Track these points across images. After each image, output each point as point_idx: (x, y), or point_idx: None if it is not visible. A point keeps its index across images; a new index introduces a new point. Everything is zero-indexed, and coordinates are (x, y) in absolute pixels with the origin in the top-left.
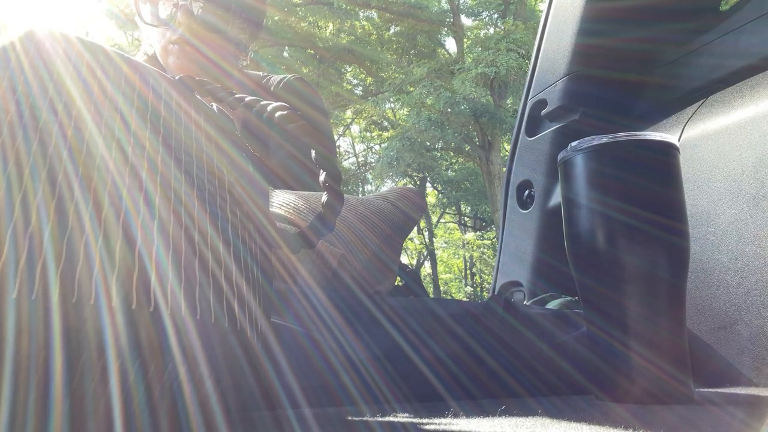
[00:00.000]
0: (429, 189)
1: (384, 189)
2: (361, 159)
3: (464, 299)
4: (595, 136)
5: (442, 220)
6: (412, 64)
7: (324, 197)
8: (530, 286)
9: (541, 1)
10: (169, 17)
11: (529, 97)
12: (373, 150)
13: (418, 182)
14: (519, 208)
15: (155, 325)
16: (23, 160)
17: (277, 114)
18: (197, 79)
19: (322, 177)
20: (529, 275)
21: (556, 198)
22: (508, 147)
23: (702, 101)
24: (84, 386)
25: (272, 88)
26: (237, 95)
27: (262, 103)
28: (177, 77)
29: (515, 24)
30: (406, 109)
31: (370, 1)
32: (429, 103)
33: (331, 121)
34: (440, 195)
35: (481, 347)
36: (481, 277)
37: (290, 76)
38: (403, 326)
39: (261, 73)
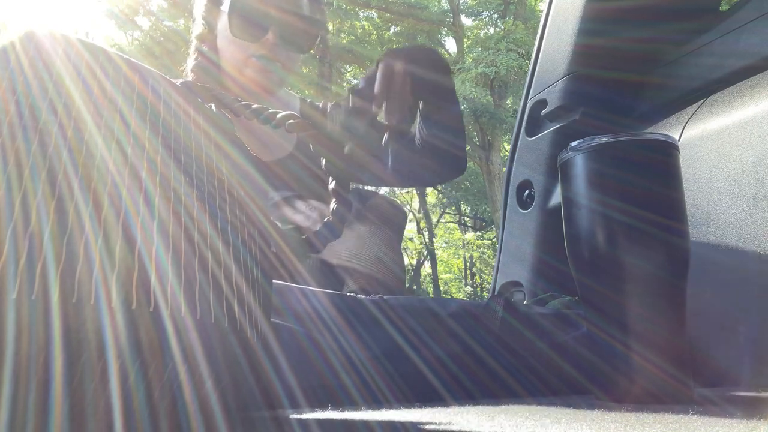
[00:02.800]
0: (429, 189)
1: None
2: None
3: (464, 299)
4: (595, 136)
5: (442, 220)
6: None
7: (332, 204)
8: (530, 286)
9: (541, 1)
10: (258, 35)
11: (529, 97)
12: None
13: None
14: (519, 208)
15: (155, 325)
16: (23, 160)
17: (288, 122)
18: (200, 84)
19: (332, 185)
20: (529, 275)
21: (556, 198)
22: (508, 147)
23: (702, 101)
24: (84, 386)
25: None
26: (243, 102)
27: (270, 110)
28: (180, 81)
29: (515, 24)
30: None
31: (370, 1)
32: None
33: None
34: (440, 195)
35: (481, 347)
36: (481, 277)
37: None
38: (403, 326)
39: (298, 95)
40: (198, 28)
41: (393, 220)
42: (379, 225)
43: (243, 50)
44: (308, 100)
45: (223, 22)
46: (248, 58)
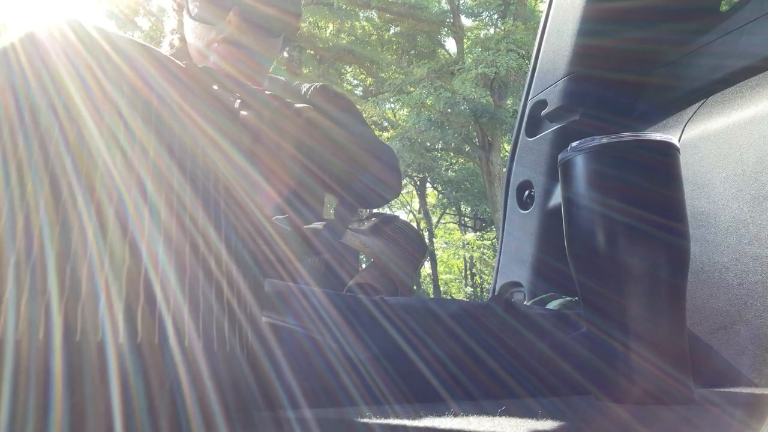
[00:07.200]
0: (429, 189)
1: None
2: None
3: (464, 299)
4: (595, 137)
5: (442, 221)
6: (412, 65)
7: (337, 206)
8: (530, 286)
9: (541, 1)
10: (219, 16)
11: (529, 98)
12: None
13: (418, 182)
14: (519, 209)
15: (155, 325)
16: (23, 161)
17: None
18: (220, 70)
19: (334, 186)
20: (529, 275)
21: (556, 198)
22: (508, 147)
23: (702, 101)
24: (84, 386)
25: (305, 94)
26: (269, 92)
27: (296, 105)
28: (202, 66)
29: (515, 24)
30: (406, 110)
31: (370, 2)
32: (429, 103)
33: None
34: (440, 195)
35: (481, 347)
36: (481, 277)
37: (318, 84)
38: (403, 326)
39: (283, 78)
40: (170, 20)
41: (408, 241)
42: (395, 240)
43: (206, 35)
44: (291, 84)
45: (185, 8)
46: (211, 44)
